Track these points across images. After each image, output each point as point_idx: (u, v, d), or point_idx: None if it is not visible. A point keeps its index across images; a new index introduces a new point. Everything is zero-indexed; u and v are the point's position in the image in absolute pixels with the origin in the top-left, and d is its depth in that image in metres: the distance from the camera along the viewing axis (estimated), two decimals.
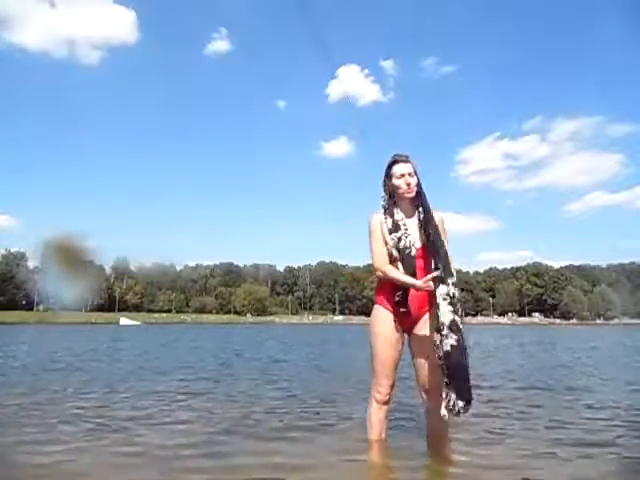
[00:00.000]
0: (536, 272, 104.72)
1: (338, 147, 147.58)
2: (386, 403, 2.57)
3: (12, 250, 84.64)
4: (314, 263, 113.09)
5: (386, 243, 2.52)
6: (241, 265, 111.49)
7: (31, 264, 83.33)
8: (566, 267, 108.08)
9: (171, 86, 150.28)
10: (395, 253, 2.49)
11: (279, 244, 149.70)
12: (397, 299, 2.47)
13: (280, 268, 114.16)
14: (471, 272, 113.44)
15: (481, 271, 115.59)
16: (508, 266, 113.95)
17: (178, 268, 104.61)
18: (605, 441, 2.77)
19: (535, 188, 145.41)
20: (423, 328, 2.52)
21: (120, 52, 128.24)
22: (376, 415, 2.59)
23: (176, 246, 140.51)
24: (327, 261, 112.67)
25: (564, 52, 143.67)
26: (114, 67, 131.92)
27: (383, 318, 2.55)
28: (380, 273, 2.51)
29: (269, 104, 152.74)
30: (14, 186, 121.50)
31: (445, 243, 2.49)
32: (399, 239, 2.48)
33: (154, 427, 3.09)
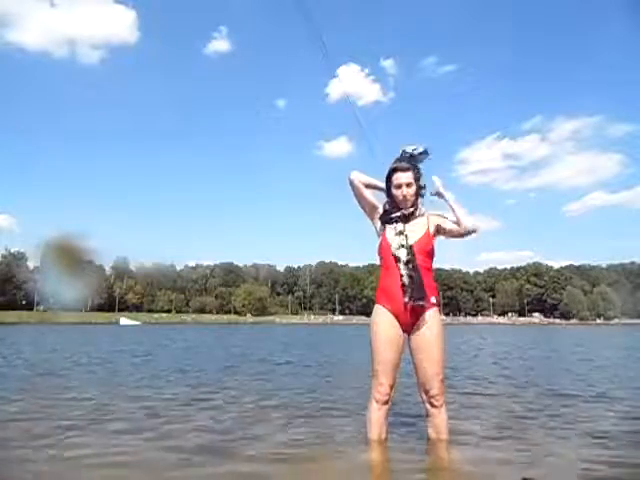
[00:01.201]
0: (536, 272, 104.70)
1: (338, 147, 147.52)
2: (386, 403, 2.57)
3: (12, 250, 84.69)
4: (314, 263, 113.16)
5: (385, 245, 2.60)
6: (241, 265, 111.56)
7: (31, 264, 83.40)
8: (566, 267, 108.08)
9: (171, 85, 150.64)
10: (397, 253, 2.53)
11: (279, 244, 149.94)
12: (407, 298, 2.47)
13: (280, 268, 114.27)
14: (471, 272, 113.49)
15: (481, 271, 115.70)
16: (508, 266, 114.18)
17: (178, 268, 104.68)
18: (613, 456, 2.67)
19: (535, 188, 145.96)
20: (423, 328, 2.54)
21: (120, 51, 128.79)
22: (376, 415, 2.58)
23: (176, 246, 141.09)
24: (327, 261, 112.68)
25: (564, 52, 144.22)
26: (114, 67, 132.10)
27: (383, 317, 2.56)
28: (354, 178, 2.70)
29: (269, 103, 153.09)
30: (14, 186, 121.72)
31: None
32: (400, 245, 2.54)
33: (138, 437, 2.89)
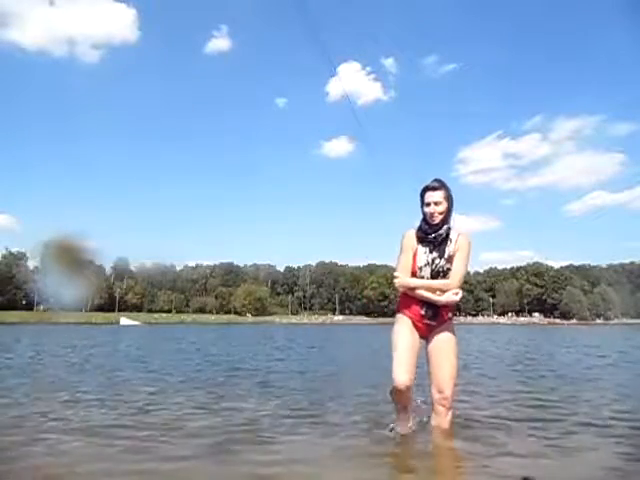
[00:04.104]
0: (536, 272, 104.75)
1: (338, 146, 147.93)
2: (406, 407, 2.74)
3: (12, 250, 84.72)
4: (314, 263, 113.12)
5: (416, 263, 2.72)
6: (241, 265, 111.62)
7: (31, 264, 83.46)
8: (566, 267, 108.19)
9: (171, 85, 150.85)
10: (425, 273, 2.69)
11: (279, 244, 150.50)
12: (424, 313, 2.69)
13: (280, 268, 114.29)
14: (471, 272, 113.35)
15: (481, 271, 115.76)
16: (508, 266, 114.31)
17: (178, 268, 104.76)
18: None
19: (536, 188, 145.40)
20: (439, 335, 2.74)
21: (120, 51, 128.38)
22: (403, 420, 2.76)
23: (176, 246, 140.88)
24: (327, 261, 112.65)
25: (565, 50, 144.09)
26: (114, 66, 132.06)
27: (404, 325, 2.77)
28: (399, 285, 2.74)
29: (269, 102, 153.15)
30: (14, 186, 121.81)
31: (461, 266, 2.70)
32: (430, 261, 2.70)
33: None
